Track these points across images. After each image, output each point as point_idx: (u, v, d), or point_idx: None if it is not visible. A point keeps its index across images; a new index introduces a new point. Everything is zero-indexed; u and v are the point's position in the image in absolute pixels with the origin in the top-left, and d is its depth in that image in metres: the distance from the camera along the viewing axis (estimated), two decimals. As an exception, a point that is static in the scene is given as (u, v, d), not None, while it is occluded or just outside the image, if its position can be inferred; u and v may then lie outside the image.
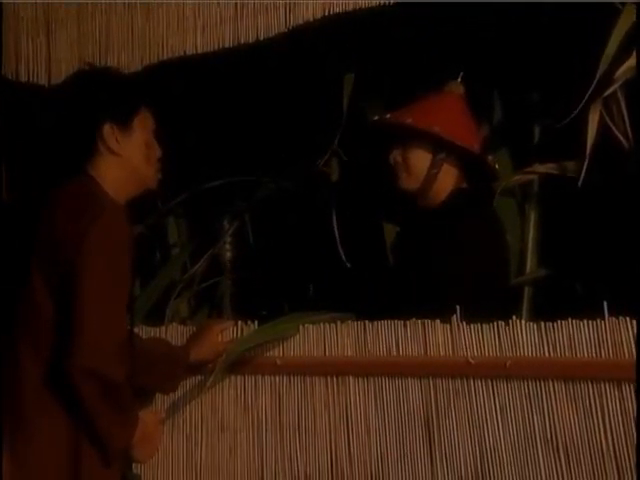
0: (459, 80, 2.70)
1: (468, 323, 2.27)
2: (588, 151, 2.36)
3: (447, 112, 2.64)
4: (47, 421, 2.25)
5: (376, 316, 2.42)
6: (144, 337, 2.68)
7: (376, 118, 2.72)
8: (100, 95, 2.40)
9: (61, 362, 2.19)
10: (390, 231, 2.92)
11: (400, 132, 2.65)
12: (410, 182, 2.66)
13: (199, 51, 2.74)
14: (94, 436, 2.25)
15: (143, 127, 2.43)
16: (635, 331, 2.05)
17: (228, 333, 2.63)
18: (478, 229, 2.54)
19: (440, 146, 2.61)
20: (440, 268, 2.50)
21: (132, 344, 2.40)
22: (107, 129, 2.37)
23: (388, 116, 2.68)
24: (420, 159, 2.64)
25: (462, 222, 2.54)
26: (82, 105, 2.40)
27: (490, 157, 2.67)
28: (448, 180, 2.65)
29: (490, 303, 2.40)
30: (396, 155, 2.67)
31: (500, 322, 2.23)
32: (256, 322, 2.61)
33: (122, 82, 2.49)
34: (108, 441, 2.26)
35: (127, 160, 2.39)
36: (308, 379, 2.52)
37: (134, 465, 2.67)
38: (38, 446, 2.24)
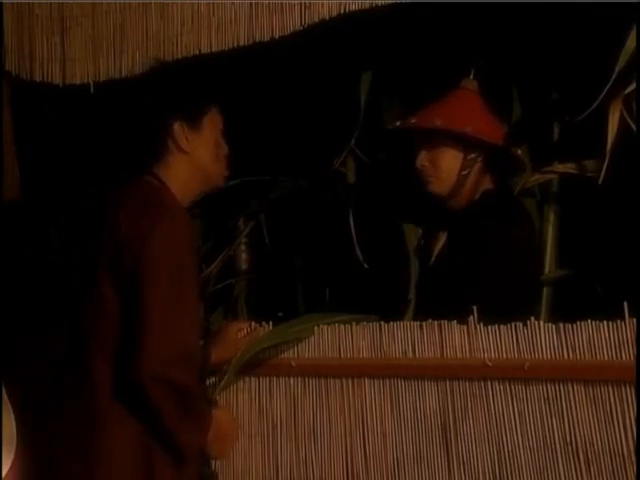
0: (471, 77, 2.67)
1: (485, 325, 2.25)
2: (608, 150, 2.32)
3: (472, 110, 2.61)
4: (120, 429, 2.21)
5: (395, 317, 2.40)
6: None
7: (398, 123, 2.68)
8: (170, 94, 2.39)
9: (129, 369, 2.16)
10: (411, 233, 2.88)
11: (427, 135, 2.60)
12: (441, 185, 2.61)
13: (214, 50, 2.73)
14: (167, 441, 2.21)
15: (212, 126, 2.42)
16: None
17: (244, 333, 2.62)
18: (511, 230, 2.51)
19: (471, 146, 2.57)
20: (473, 270, 2.46)
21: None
22: (177, 128, 2.36)
23: (413, 121, 2.63)
24: (450, 161, 2.60)
25: (496, 223, 2.50)
26: (152, 104, 2.39)
27: (519, 150, 2.63)
28: (477, 179, 2.61)
29: (517, 303, 2.38)
30: (423, 159, 2.62)
31: (518, 324, 2.21)
32: (271, 323, 2.60)
33: (192, 79, 2.45)
34: (182, 446, 2.23)
35: (196, 159, 2.38)
36: (323, 381, 2.51)
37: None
38: (113, 454, 2.20)
